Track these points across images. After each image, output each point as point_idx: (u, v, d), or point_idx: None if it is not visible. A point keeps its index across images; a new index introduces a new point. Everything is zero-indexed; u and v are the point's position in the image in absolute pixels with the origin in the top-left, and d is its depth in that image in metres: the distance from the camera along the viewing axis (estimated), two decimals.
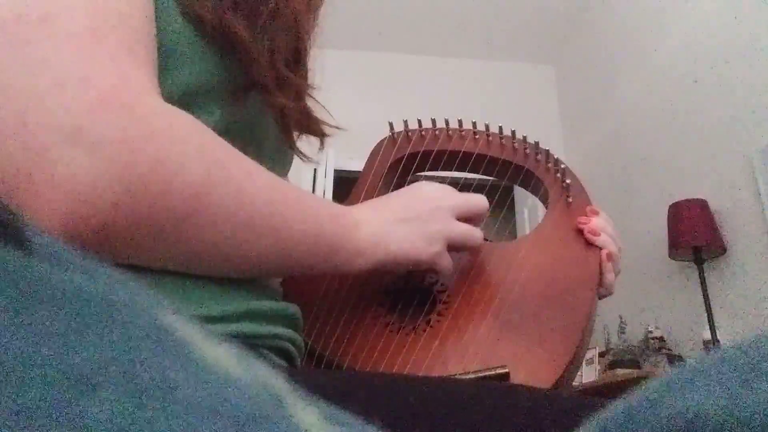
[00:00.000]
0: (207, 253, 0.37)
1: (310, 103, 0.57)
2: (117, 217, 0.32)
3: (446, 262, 0.52)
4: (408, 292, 0.58)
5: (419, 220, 0.50)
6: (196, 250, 0.37)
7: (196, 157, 0.36)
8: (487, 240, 0.62)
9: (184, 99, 0.41)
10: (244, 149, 0.41)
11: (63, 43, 0.33)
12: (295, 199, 0.42)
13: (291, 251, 0.41)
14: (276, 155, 0.51)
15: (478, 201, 0.55)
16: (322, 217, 0.44)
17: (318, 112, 0.57)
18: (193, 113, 0.40)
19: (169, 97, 0.39)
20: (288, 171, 0.57)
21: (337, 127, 0.60)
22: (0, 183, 0.32)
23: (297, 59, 0.49)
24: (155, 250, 0.36)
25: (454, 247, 0.53)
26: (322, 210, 0.44)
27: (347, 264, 0.46)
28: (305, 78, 0.50)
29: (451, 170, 0.69)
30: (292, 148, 0.53)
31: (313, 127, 0.58)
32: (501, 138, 0.70)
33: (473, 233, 0.54)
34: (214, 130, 0.39)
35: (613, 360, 2.49)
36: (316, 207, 0.44)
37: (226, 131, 0.41)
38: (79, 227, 0.32)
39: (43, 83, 0.32)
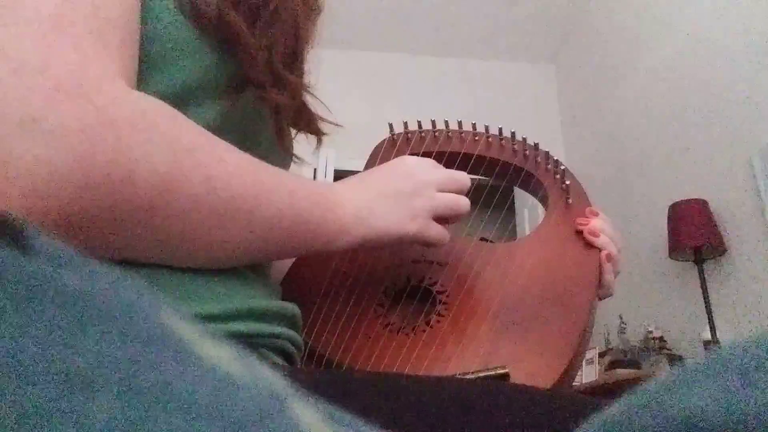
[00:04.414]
0: (177, 242, 0.37)
1: (309, 101, 0.57)
2: (77, 210, 0.31)
3: (435, 231, 0.51)
4: (408, 292, 0.58)
5: (402, 194, 0.50)
6: (164, 239, 0.36)
7: (161, 144, 0.34)
8: (487, 240, 0.62)
9: (181, 95, 0.41)
10: (240, 147, 0.40)
11: (22, 30, 0.32)
12: (270, 182, 0.41)
13: (267, 235, 0.41)
14: (273, 155, 0.51)
15: (461, 176, 0.55)
16: (300, 198, 0.43)
17: (316, 110, 0.57)
18: (189, 109, 0.39)
19: (165, 93, 0.39)
20: (288, 170, 0.57)
21: (335, 124, 0.60)
22: None
23: (294, 61, 0.49)
24: (121, 241, 0.35)
25: (443, 218, 0.53)
26: (301, 191, 0.44)
27: (332, 243, 0.46)
28: (301, 79, 0.51)
29: None
30: (287, 147, 0.53)
31: (310, 125, 0.58)
32: (501, 139, 0.70)
33: (460, 201, 0.53)
34: (208, 128, 0.39)
35: (613, 360, 2.49)
36: (294, 188, 0.43)
37: (221, 128, 0.41)
38: (38, 221, 0.30)
39: None
